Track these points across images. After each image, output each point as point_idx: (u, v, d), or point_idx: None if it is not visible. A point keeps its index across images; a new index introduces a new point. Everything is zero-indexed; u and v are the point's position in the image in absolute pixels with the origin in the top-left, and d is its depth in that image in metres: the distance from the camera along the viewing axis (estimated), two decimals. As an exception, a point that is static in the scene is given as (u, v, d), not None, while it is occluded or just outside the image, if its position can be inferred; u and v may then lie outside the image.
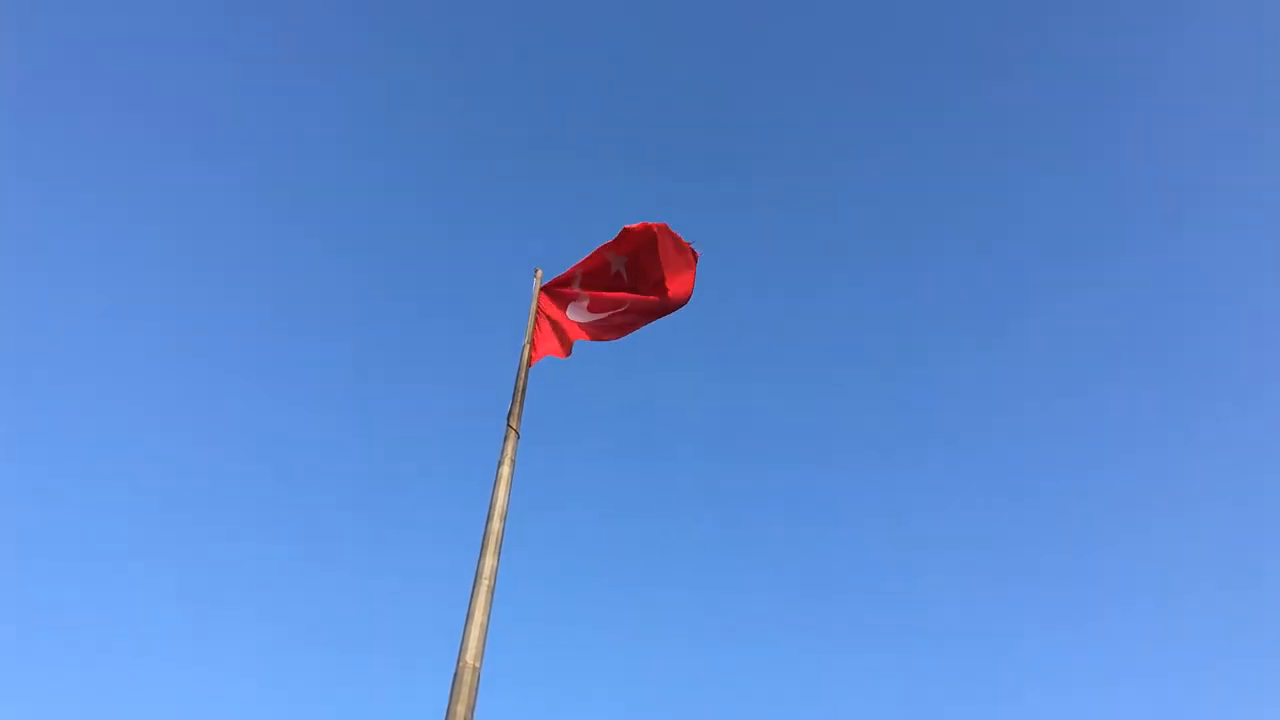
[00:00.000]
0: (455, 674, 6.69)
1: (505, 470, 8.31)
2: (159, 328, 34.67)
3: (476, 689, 6.66)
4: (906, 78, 41.25)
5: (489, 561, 7.60)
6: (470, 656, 6.82)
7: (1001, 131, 40.90)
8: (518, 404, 8.86)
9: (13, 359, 29.73)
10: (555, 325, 9.79)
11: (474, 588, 7.37)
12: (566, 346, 9.78)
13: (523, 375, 9.05)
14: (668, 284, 9.65)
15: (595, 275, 9.89)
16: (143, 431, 33.14)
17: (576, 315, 9.86)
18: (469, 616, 7.13)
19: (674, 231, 9.79)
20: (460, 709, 6.51)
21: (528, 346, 9.27)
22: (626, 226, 9.67)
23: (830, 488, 38.01)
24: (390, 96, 39.99)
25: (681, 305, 9.82)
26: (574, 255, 10.06)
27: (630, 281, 9.82)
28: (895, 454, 38.15)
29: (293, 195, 38.21)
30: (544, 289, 9.88)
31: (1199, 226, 37.17)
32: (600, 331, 9.86)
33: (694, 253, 9.87)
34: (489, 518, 7.96)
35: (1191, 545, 33.37)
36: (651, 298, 9.70)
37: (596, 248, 9.89)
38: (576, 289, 9.85)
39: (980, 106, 40.87)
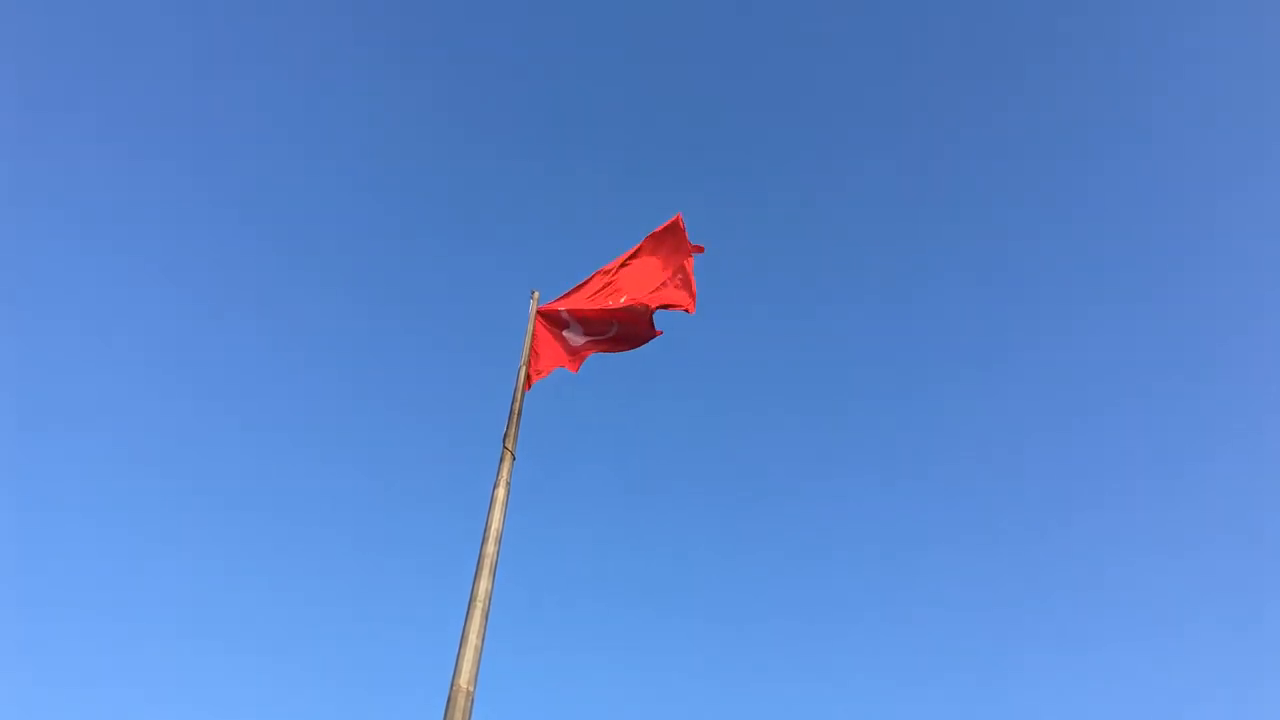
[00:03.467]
0: (449, 698, 6.72)
1: (500, 492, 8.34)
2: (157, 345, 34.70)
3: (470, 713, 6.67)
4: (913, 105, 41.62)
5: (483, 584, 7.62)
6: (464, 680, 6.83)
7: (1005, 160, 41.21)
8: (513, 426, 8.89)
9: (14, 362, 29.73)
10: (551, 343, 9.84)
11: (468, 610, 7.39)
12: (563, 362, 9.82)
13: (518, 397, 9.09)
14: (663, 293, 9.80)
15: (590, 289, 10.00)
16: (141, 448, 33.10)
17: (572, 338, 9.92)
18: (463, 639, 7.15)
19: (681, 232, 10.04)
20: (453, 733, 6.50)
21: (524, 369, 9.30)
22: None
23: (828, 501, 38.01)
24: (386, 115, 40.25)
25: (650, 331, 9.93)
26: (572, 277, 10.16)
27: (627, 287, 9.90)
28: (894, 482, 38.16)
29: (288, 213, 38.36)
30: (540, 311, 9.91)
31: (1202, 260, 37.31)
32: (592, 350, 9.94)
33: (692, 251, 10.03)
34: (484, 540, 7.98)
35: (1189, 554, 33.41)
36: (642, 304, 9.78)
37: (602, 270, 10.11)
38: (567, 317, 9.90)
39: (985, 133, 41.19)
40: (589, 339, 9.88)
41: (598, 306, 9.78)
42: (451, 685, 6.80)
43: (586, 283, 10.03)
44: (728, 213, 41.81)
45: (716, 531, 37.19)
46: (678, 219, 10.09)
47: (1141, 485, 35.57)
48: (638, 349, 10.01)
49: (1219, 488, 34.18)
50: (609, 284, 9.93)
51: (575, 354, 9.86)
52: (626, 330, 9.88)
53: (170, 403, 33.96)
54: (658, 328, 9.92)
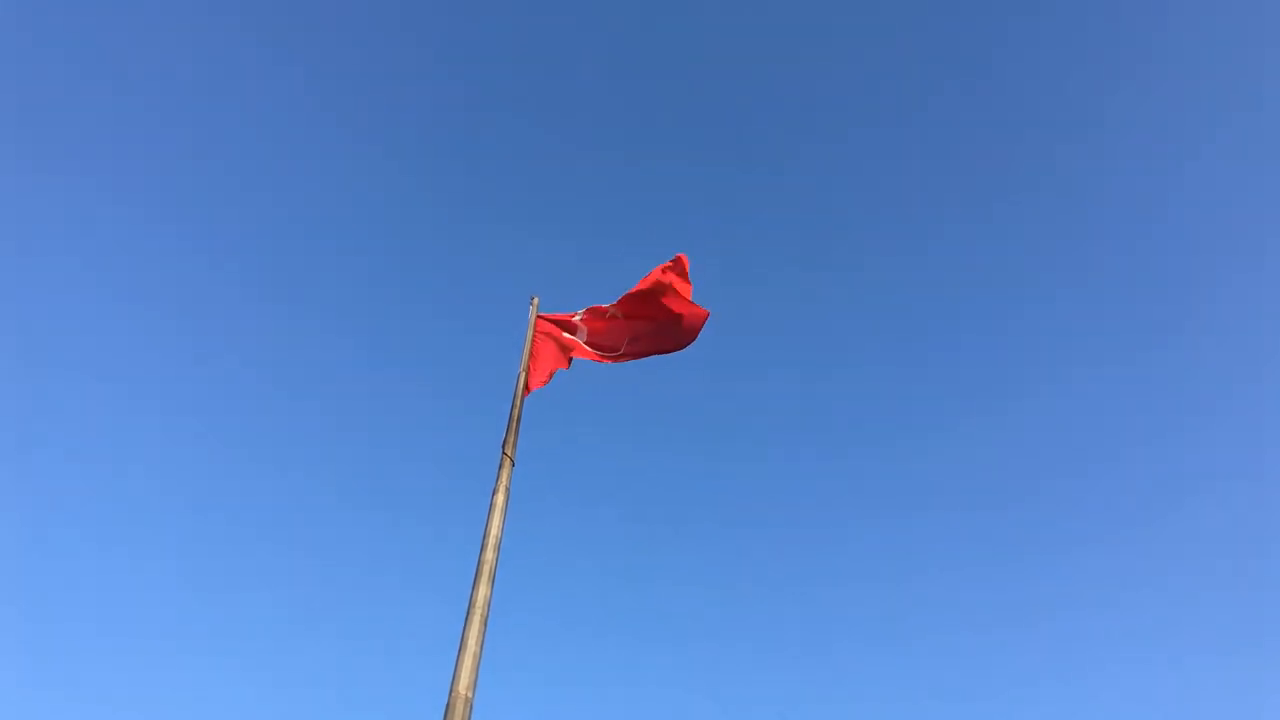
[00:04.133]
0: (447, 705, 6.70)
1: (500, 499, 8.32)
2: (156, 349, 34.67)
3: (468, 720, 6.63)
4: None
5: (482, 591, 7.60)
6: (463, 687, 6.81)
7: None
8: (513, 432, 8.87)
9: (19, 359, 29.73)
10: (555, 342, 9.82)
11: (467, 617, 7.37)
12: (566, 359, 9.78)
13: (518, 404, 9.06)
14: (670, 308, 9.76)
15: (594, 314, 9.99)
16: (142, 453, 33.04)
17: (578, 339, 9.91)
18: (462, 646, 7.12)
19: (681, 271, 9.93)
20: (452, 740, 6.49)
21: (523, 374, 9.29)
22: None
23: (830, 508, 37.94)
24: (386, 120, 40.28)
25: (682, 341, 9.84)
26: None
27: (628, 318, 9.90)
28: (895, 492, 38.11)
29: (288, 219, 38.38)
30: (542, 316, 9.90)
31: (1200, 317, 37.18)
32: (602, 355, 9.91)
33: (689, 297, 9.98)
34: (483, 547, 7.96)
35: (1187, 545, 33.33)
36: (650, 321, 9.74)
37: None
38: (578, 320, 9.89)
39: (989, 135, 41.24)
40: (595, 349, 9.88)
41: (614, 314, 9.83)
42: (450, 692, 6.78)
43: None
44: (730, 217, 41.85)
45: (717, 538, 37.13)
46: (681, 260, 9.98)
47: (1144, 511, 35.53)
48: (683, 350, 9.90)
49: (1220, 512, 34.13)
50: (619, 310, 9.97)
51: (575, 352, 9.83)
52: (651, 330, 9.85)
53: (169, 408, 33.94)
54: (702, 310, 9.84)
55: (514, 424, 8.94)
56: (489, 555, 7.91)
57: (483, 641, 7.26)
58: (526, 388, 9.28)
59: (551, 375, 9.66)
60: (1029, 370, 39.94)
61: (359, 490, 35.80)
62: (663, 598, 35.03)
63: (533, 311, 9.83)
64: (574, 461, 37.56)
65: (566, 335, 9.87)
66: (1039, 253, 40.68)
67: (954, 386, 40.43)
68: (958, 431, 39.02)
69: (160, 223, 35.56)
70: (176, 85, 35.74)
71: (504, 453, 8.69)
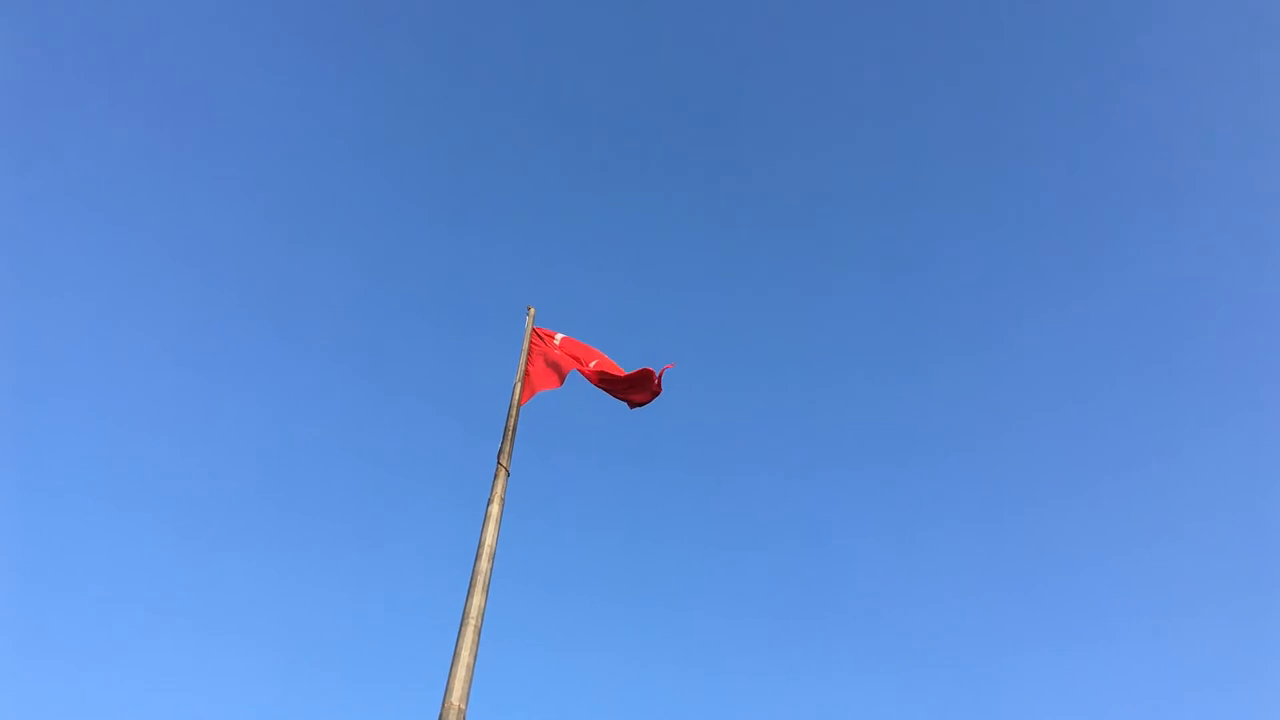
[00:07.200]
0: (440, 716, 7.02)
1: (494, 509, 8.61)
2: (159, 354, 34.78)
3: (461, 731, 6.96)
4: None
5: (476, 601, 7.92)
6: (455, 698, 7.16)
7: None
8: (508, 442, 9.14)
9: (14, 366, 29.86)
10: (548, 359, 10.05)
11: (461, 627, 7.69)
12: (561, 377, 10.02)
13: (513, 414, 9.32)
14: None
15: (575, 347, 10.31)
16: (143, 458, 33.22)
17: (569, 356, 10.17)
18: (455, 657, 7.46)
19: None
20: (445, 752, 6.82)
21: (519, 385, 9.52)
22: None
23: (819, 500, 38.31)
24: (389, 125, 40.14)
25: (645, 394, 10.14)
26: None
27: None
28: (884, 475, 38.56)
29: (288, 229, 38.38)
30: (537, 330, 10.10)
31: (1196, 246, 37.28)
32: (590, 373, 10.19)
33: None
34: (477, 557, 8.28)
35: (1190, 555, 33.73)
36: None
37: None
38: (560, 342, 10.15)
39: (981, 120, 41.03)
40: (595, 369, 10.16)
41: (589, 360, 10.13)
42: (443, 703, 7.12)
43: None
44: (725, 214, 41.73)
45: (715, 542, 37.37)
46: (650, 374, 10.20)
47: (1132, 474, 35.86)
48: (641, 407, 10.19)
49: (1214, 476, 34.47)
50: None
51: (566, 366, 10.06)
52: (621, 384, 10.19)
53: (165, 418, 34.07)
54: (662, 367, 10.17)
55: (509, 434, 9.20)
56: (483, 565, 8.21)
57: (476, 652, 7.58)
58: (522, 399, 9.52)
59: (550, 386, 9.90)
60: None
61: (355, 496, 35.98)
62: (664, 603, 35.34)
63: (529, 322, 10.03)
64: (571, 469, 37.81)
65: (560, 346, 10.11)
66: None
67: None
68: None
69: (161, 224, 35.60)
70: (174, 86, 35.59)
71: (499, 463, 8.98)
